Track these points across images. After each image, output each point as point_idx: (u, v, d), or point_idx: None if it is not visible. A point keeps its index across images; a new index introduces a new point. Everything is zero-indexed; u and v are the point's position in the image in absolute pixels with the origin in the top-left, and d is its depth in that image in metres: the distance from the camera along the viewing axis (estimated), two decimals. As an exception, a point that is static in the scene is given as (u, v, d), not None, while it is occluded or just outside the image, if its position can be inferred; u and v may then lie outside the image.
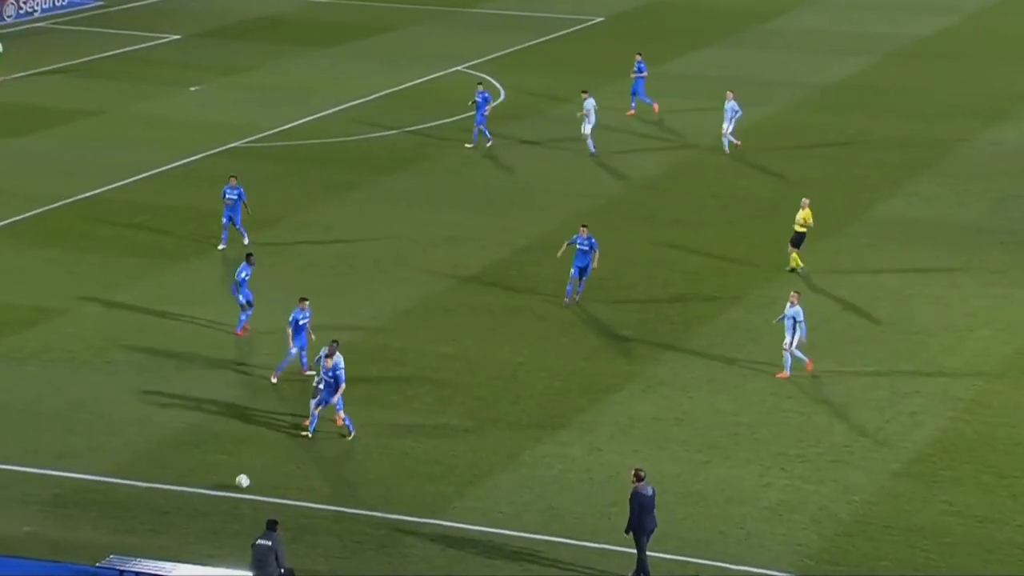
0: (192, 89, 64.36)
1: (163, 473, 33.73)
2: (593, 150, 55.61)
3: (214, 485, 32.99)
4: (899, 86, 65.92)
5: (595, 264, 42.55)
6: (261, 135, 58.02)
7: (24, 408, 36.75)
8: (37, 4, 77.74)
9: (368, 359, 39.34)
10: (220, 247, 46.49)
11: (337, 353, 35.25)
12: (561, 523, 32.12)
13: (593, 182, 53.54)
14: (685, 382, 38.48)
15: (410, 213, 50.14)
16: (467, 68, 67.30)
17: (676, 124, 59.50)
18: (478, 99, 56.01)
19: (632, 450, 34.97)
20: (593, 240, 42.46)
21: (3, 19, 75.16)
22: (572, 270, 42.58)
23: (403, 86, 64.87)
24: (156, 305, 42.49)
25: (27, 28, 75.25)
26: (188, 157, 55.37)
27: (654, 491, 30.28)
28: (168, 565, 29.68)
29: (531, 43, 72.72)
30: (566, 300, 42.75)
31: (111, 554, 30.12)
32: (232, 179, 46.52)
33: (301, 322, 37.76)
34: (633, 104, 60.52)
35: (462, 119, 57.53)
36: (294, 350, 37.75)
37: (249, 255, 40.88)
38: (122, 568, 29.54)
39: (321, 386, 35.24)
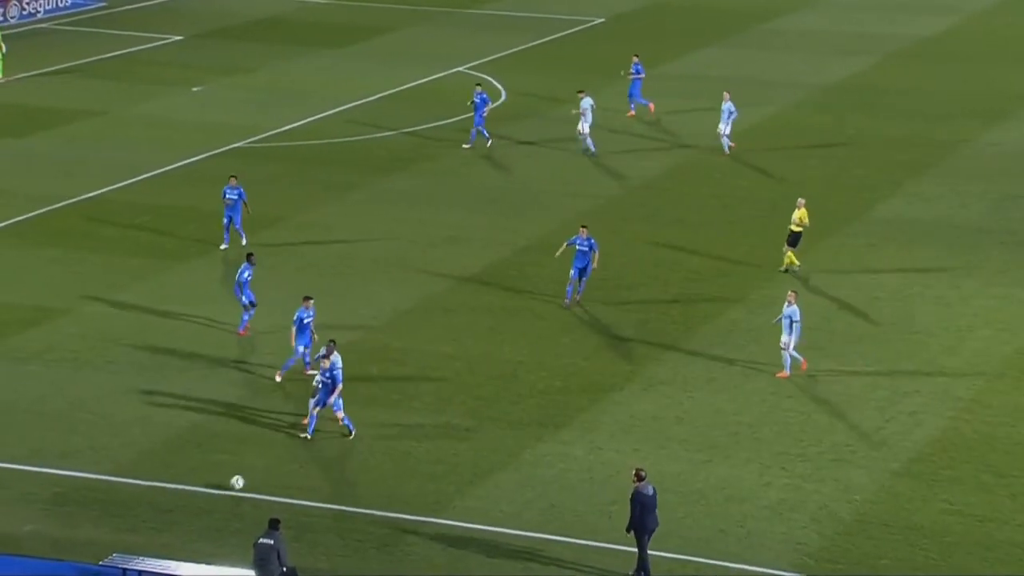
0: (194, 90, 64.46)
1: (165, 472, 33.82)
2: (593, 149, 55.71)
3: (216, 484, 33.06)
4: (899, 86, 65.99)
5: (595, 265, 42.62)
6: (262, 135, 58.12)
7: (27, 407, 36.84)
8: (40, 5, 77.86)
9: (369, 359, 39.44)
10: (222, 247, 46.59)
11: (335, 353, 35.32)
12: (562, 522, 32.20)
13: (593, 182, 53.63)
14: (686, 381, 38.57)
15: (410, 213, 50.23)
16: (467, 69, 67.38)
17: (676, 125, 59.58)
18: (476, 100, 56.11)
19: (633, 449, 35.06)
20: (592, 241, 42.54)
21: (6, 20, 75.25)
22: (572, 271, 42.66)
23: (403, 87, 64.96)
24: (158, 305, 42.59)
25: (30, 29, 75.34)
26: (190, 157, 55.47)
27: (655, 490, 30.36)
28: (170, 564, 29.76)
29: (531, 44, 72.80)
30: (566, 301, 42.82)
31: (114, 552, 30.20)
32: (232, 179, 46.62)
33: (306, 321, 37.86)
34: (632, 105, 60.61)
35: (462, 120, 57.61)
36: (301, 349, 37.82)
37: (250, 255, 40.99)
38: (125, 566, 29.61)
39: (320, 386, 35.34)
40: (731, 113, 55.37)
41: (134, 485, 33.37)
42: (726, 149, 56.00)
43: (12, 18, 75.93)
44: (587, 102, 55.61)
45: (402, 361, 39.53)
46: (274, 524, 28.92)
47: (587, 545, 31.40)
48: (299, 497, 32.93)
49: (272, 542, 28.64)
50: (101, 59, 69.38)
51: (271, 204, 50.04)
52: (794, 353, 38.61)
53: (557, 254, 43.27)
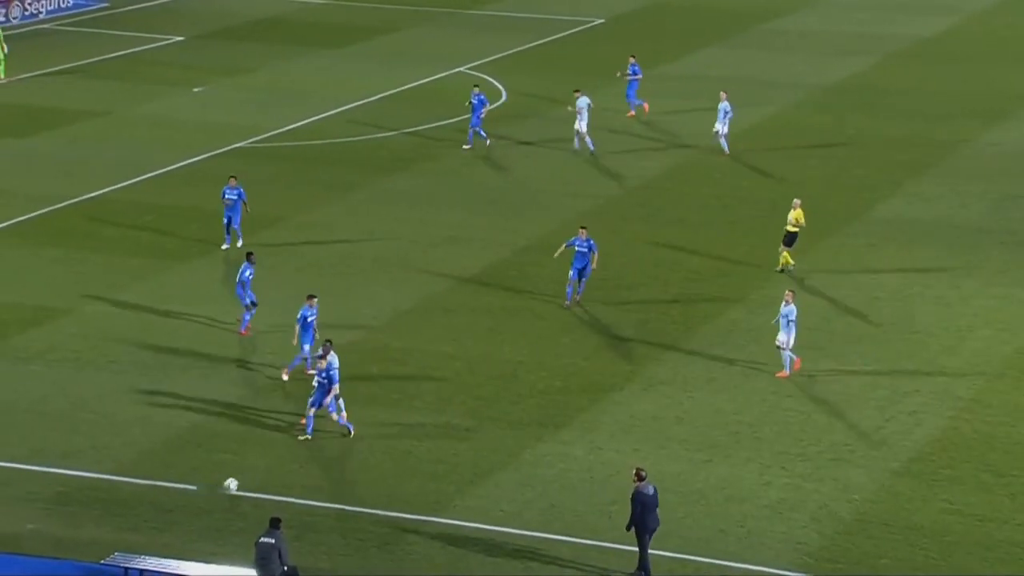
0: (196, 90, 64.54)
1: (166, 472, 33.89)
2: (592, 148, 55.78)
3: (217, 484, 33.09)
4: (899, 87, 66.05)
5: (594, 265, 42.67)
6: (264, 136, 58.19)
7: (29, 407, 36.91)
8: (42, 6, 77.94)
9: (369, 359, 39.52)
10: (222, 247, 46.67)
11: (332, 353, 35.38)
12: (562, 521, 32.27)
13: (594, 182, 53.69)
14: (686, 381, 38.63)
15: (411, 213, 50.30)
16: (468, 69, 67.45)
17: (676, 125, 59.64)
18: (474, 101, 56.19)
19: (633, 449, 35.13)
20: (592, 242, 42.60)
21: (9, 20, 75.32)
22: (571, 272, 42.71)
23: (404, 87, 65.03)
24: (160, 305, 42.67)
25: (33, 29, 75.40)
26: (192, 158, 55.55)
27: (655, 490, 30.41)
28: (172, 563, 29.81)
29: (531, 44, 72.86)
30: (566, 303, 42.89)
31: (115, 552, 30.25)
32: (232, 179, 46.69)
33: (309, 319, 37.94)
34: (632, 106, 60.67)
35: (463, 120, 57.65)
36: (306, 347, 37.88)
37: (249, 254, 41.08)
38: (126, 565, 29.68)
39: (317, 386, 35.41)
40: (727, 113, 55.44)
41: (136, 484, 33.44)
42: (726, 149, 56.06)
43: (14, 19, 76.01)
44: (583, 101, 55.70)
45: (402, 361, 39.61)
46: (275, 523, 29.00)
47: (587, 544, 31.45)
48: (300, 496, 33.00)
49: (273, 541, 28.71)
50: (103, 59, 69.45)
51: (272, 204, 50.12)
52: (782, 353, 38.64)
53: (556, 255, 43.34)
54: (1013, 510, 33.05)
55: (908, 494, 33.55)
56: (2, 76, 65.47)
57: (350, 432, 35.42)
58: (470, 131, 56.43)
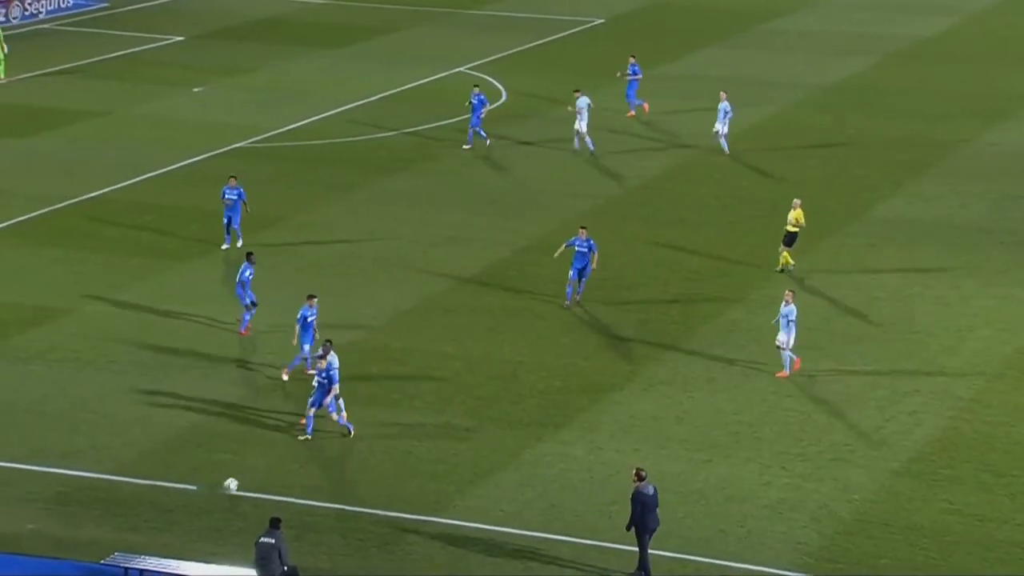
0: (196, 90, 64.56)
1: (166, 471, 33.91)
2: (592, 147, 55.81)
3: (217, 484, 33.10)
4: (899, 87, 66.07)
5: (594, 265, 42.68)
6: (264, 136, 58.22)
7: (29, 407, 36.93)
8: (42, 6, 77.97)
9: (369, 359, 39.54)
10: (223, 247, 46.69)
11: (331, 353, 35.39)
12: (562, 521, 32.28)
13: (594, 183, 53.72)
14: (686, 381, 38.65)
15: (411, 213, 50.33)
16: (468, 69, 67.47)
17: (676, 125, 59.66)
18: (474, 101, 56.22)
19: (633, 449, 35.14)
20: (592, 242, 42.61)
21: (8, 20, 75.35)
22: (571, 272, 42.72)
23: (404, 87, 65.05)
24: (160, 305, 42.69)
25: (32, 29, 75.44)
26: (192, 158, 55.57)
27: (655, 490, 30.42)
28: (172, 563, 29.83)
29: (532, 45, 72.89)
30: (566, 303, 42.90)
31: (115, 552, 30.27)
32: (232, 179, 46.70)
33: (309, 319, 37.97)
34: (632, 106, 60.71)
35: (463, 120, 57.65)
36: (307, 347, 37.89)
37: (249, 254, 41.11)
38: (126, 565, 29.69)
39: (316, 385, 35.43)
40: (727, 112, 55.46)
41: (136, 484, 33.46)
42: (726, 149, 56.09)
43: (14, 19, 76.04)
44: (583, 101, 55.75)
45: (403, 361, 39.63)
46: (275, 523, 29.02)
47: (587, 544, 31.47)
48: (300, 496, 33.02)
49: (273, 541, 28.73)
50: (103, 59, 69.48)
51: (272, 204, 50.14)
52: (782, 353, 38.65)
53: (556, 255, 43.34)
54: (1013, 510, 33.07)
55: (908, 494, 33.57)
56: (2, 76, 65.50)
57: (350, 432, 35.44)
58: (470, 131, 56.47)
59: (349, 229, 48.86)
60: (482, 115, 56.31)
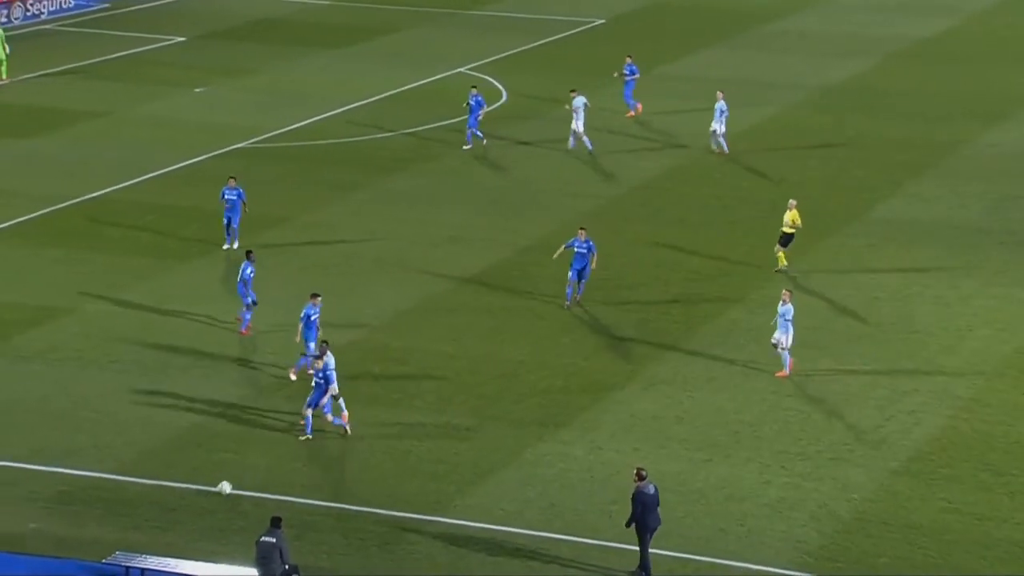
0: (197, 90, 64.65)
1: (168, 471, 33.99)
2: (590, 147, 55.88)
3: (219, 483, 33.17)
4: (899, 87, 66.14)
5: (593, 266, 42.76)
6: (265, 136, 58.31)
7: (31, 406, 37.02)
8: (44, 6, 78.09)
9: (370, 358, 39.64)
10: (224, 247, 46.79)
11: (328, 354, 35.46)
12: (562, 520, 32.37)
13: (594, 183, 53.81)
14: (686, 381, 38.73)
15: (412, 214, 50.42)
16: (469, 70, 67.56)
17: (676, 125, 59.73)
18: (471, 102, 56.31)
19: (633, 448, 35.23)
20: (591, 243, 42.69)
21: (10, 21, 75.46)
22: (570, 273, 42.79)
23: (405, 87, 65.14)
24: (161, 304, 42.78)
25: (34, 30, 75.54)
26: (193, 158, 55.67)
27: (656, 489, 30.48)
28: (173, 562, 29.90)
29: (532, 45, 72.97)
30: (567, 303, 42.99)
31: (117, 551, 30.35)
32: (231, 180, 46.79)
33: (312, 317, 38.06)
34: (637, 104, 60.81)
35: (463, 121, 57.70)
36: (312, 346, 37.96)
37: (249, 252, 41.22)
38: (128, 564, 29.76)
39: (314, 385, 35.50)
40: (723, 112, 55.55)
41: (137, 484, 33.55)
42: (725, 149, 56.18)
43: (16, 19, 76.15)
44: (579, 100, 55.85)
45: (404, 360, 39.72)
46: (276, 522, 29.09)
47: (588, 544, 31.55)
48: (301, 496, 33.10)
49: (274, 540, 28.80)
50: (105, 60, 69.57)
51: (274, 204, 50.25)
52: (780, 352, 38.71)
53: (555, 257, 43.40)
54: (1012, 509, 33.15)
55: (907, 493, 33.65)
56: (4, 77, 65.59)
57: (346, 431, 35.48)
58: (468, 132, 56.58)
59: (350, 229, 48.95)
60: (479, 116, 56.41)
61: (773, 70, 68.84)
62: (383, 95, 63.93)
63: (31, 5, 77.31)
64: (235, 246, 46.23)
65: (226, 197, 46.47)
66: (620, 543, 31.05)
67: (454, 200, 51.71)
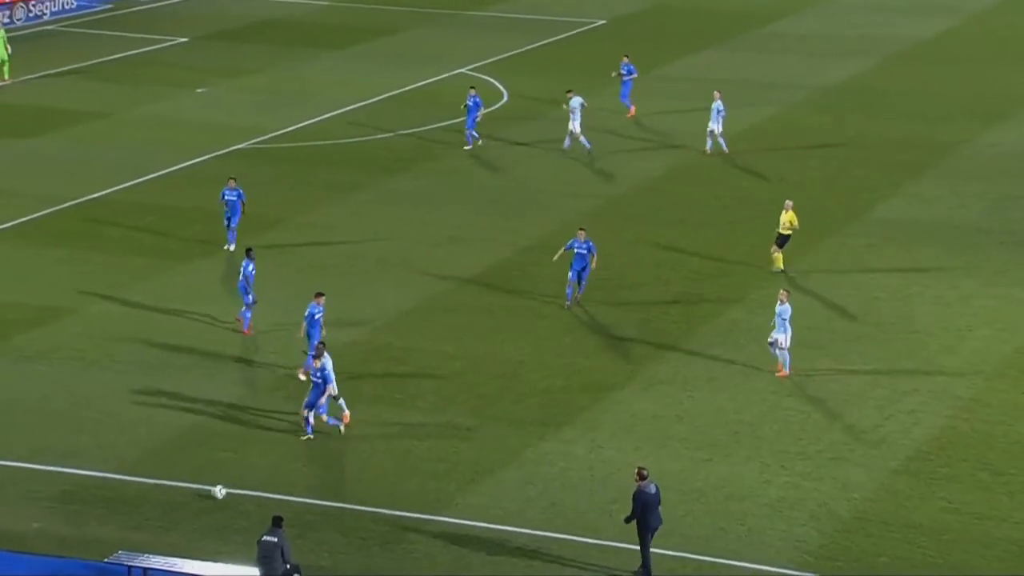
0: (198, 91, 64.75)
1: (170, 470, 34.08)
2: (588, 147, 55.97)
3: (221, 482, 33.28)
4: (899, 88, 66.21)
5: (593, 266, 42.83)
6: (266, 136, 58.41)
7: (33, 406, 37.11)
8: (46, 7, 78.21)
9: (372, 358, 39.73)
10: (225, 247, 46.87)
11: (325, 355, 35.51)
12: (563, 520, 32.45)
13: (595, 183, 53.89)
14: (686, 381, 38.81)
15: (413, 214, 50.50)
16: (470, 70, 67.65)
17: (677, 126, 59.79)
18: (469, 103, 56.40)
19: (633, 448, 35.31)
20: (591, 243, 42.77)
21: (13, 22, 75.57)
22: (570, 273, 42.85)
23: (406, 88, 65.22)
24: (163, 304, 42.87)
25: (37, 31, 75.65)
26: (194, 158, 55.76)
27: (657, 489, 30.53)
28: (176, 561, 29.96)
29: (533, 46, 73.05)
30: (567, 303, 43.07)
31: (119, 550, 30.43)
32: (231, 181, 46.86)
33: (316, 316, 38.17)
34: (631, 105, 60.89)
35: (464, 122, 57.79)
36: (323, 342, 37.98)
37: (249, 250, 41.30)
38: (130, 564, 29.83)
39: (312, 385, 35.57)
40: (719, 111, 55.63)
41: (139, 483, 33.64)
42: (725, 148, 56.27)
43: (19, 20, 76.27)
44: (576, 101, 55.95)
45: (404, 360, 39.80)
46: (277, 522, 29.18)
47: (588, 543, 31.62)
48: (302, 495, 33.19)
49: (276, 539, 28.89)
50: (106, 61, 69.67)
51: (275, 205, 50.35)
52: (777, 353, 38.78)
53: (555, 258, 43.45)
54: (1011, 508, 33.22)
55: (907, 492, 33.73)
56: (6, 77, 65.71)
57: (340, 431, 35.52)
58: (467, 133, 56.67)
59: (351, 230, 49.04)
60: (477, 117, 56.50)
61: (773, 70, 68.92)
62: (384, 96, 64.02)
63: (33, 6, 77.44)
64: (231, 248, 46.26)
65: (226, 198, 46.54)
66: (621, 542, 31.13)
67: (455, 200, 51.80)
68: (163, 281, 44.76)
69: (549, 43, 73.68)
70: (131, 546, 30.78)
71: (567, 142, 56.19)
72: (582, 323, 42.33)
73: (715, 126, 55.78)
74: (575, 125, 55.89)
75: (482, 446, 35.40)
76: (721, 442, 35.74)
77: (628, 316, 42.72)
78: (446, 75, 67.03)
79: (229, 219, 46.59)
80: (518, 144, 57.57)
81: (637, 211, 51.07)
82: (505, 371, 39.20)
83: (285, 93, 64.28)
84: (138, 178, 53.62)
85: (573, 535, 31.85)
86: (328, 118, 60.75)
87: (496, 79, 65.95)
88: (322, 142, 57.89)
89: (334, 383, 35.51)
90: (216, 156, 56.00)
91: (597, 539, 31.69)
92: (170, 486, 33.44)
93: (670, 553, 31.09)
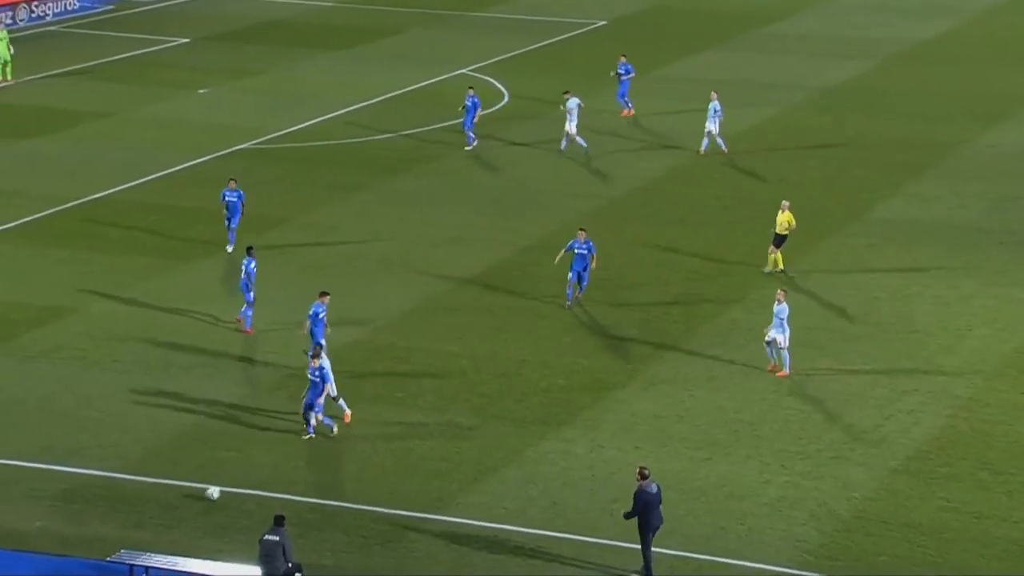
0: (201, 92, 64.85)
1: (172, 469, 34.18)
2: (586, 147, 56.05)
3: (222, 481, 33.40)
4: (899, 88, 66.29)
5: (594, 266, 42.92)
6: (268, 137, 58.51)
7: (35, 405, 37.21)
8: (49, 8, 78.30)
9: (373, 357, 39.82)
10: (228, 248, 46.97)
11: (323, 356, 35.56)
12: (564, 519, 32.53)
13: (595, 183, 53.98)
14: (686, 380, 38.90)
15: (414, 214, 50.60)
16: (471, 71, 67.74)
17: (677, 126, 59.86)
18: (468, 104, 56.49)
19: (634, 447, 35.40)
20: (591, 244, 42.85)
21: (15, 23, 75.66)
22: (571, 274, 42.93)
23: (408, 89, 65.31)
24: (165, 304, 42.97)
25: (39, 31, 75.74)
26: (197, 159, 55.86)
27: (659, 488, 30.58)
28: (177, 560, 30.03)
29: (534, 46, 73.14)
30: (567, 304, 43.17)
31: (121, 549, 30.50)
32: (231, 182, 46.94)
33: (320, 315, 38.26)
34: (631, 106, 60.99)
35: (462, 122, 57.88)
36: (322, 342, 38.08)
37: (249, 248, 41.40)
38: (132, 563, 29.89)
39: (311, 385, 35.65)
40: (716, 112, 55.71)
41: (141, 482, 33.73)
42: (724, 148, 56.36)
43: (21, 21, 76.36)
44: (573, 102, 56.05)
45: (406, 360, 39.90)
46: (279, 520, 29.26)
47: (589, 542, 31.71)
48: (304, 494, 33.28)
49: (277, 538, 28.96)
50: (109, 61, 69.77)
51: (277, 205, 50.45)
52: (774, 353, 38.88)
53: (556, 260, 43.50)
54: (1010, 507, 33.30)
55: (906, 492, 33.81)
56: (9, 78, 65.81)
57: (332, 432, 35.59)
58: (466, 133, 56.77)
59: (353, 230, 49.14)
60: (475, 118, 56.60)
61: (773, 71, 69.00)
62: (385, 96, 64.11)
63: (36, 6, 77.53)
64: (230, 249, 46.34)
65: (226, 199, 46.63)
66: (621, 541, 31.22)
67: (455, 201, 51.89)
68: (165, 281, 44.86)
69: (550, 44, 73.77)
70: (133, 545, 30.87)
71: (564, 143, 56.30)
72: (582, 323, 42.43)
73: (712, 126, 55.89)
74: (572, 126, 55.98)
75: (483, 445, 35.49)
76: (721, 441, 35.84)
77: (628, 316, 42.82)
78: (447, 76, 67.11)
79: (229, 220, 46.68)
80: (518, 144, 57.66)
81: (637, 211, 51.16)
82: (506, 371, 39.30)
83: (287, 94, 64.37)
84: (140, 178, 53.72)
85: (574, 534, 31.94)
86: (330, 118, 60.84)
87: (497, 80, 66.04)
88: (324, 142, 57.99)
89: (333, 383, 35.60)
90: (218, 156, 56.10)
91: (598, 538, 31.77)
92: (172, 485, 33.54)
93: (670, 552, 31.15)
